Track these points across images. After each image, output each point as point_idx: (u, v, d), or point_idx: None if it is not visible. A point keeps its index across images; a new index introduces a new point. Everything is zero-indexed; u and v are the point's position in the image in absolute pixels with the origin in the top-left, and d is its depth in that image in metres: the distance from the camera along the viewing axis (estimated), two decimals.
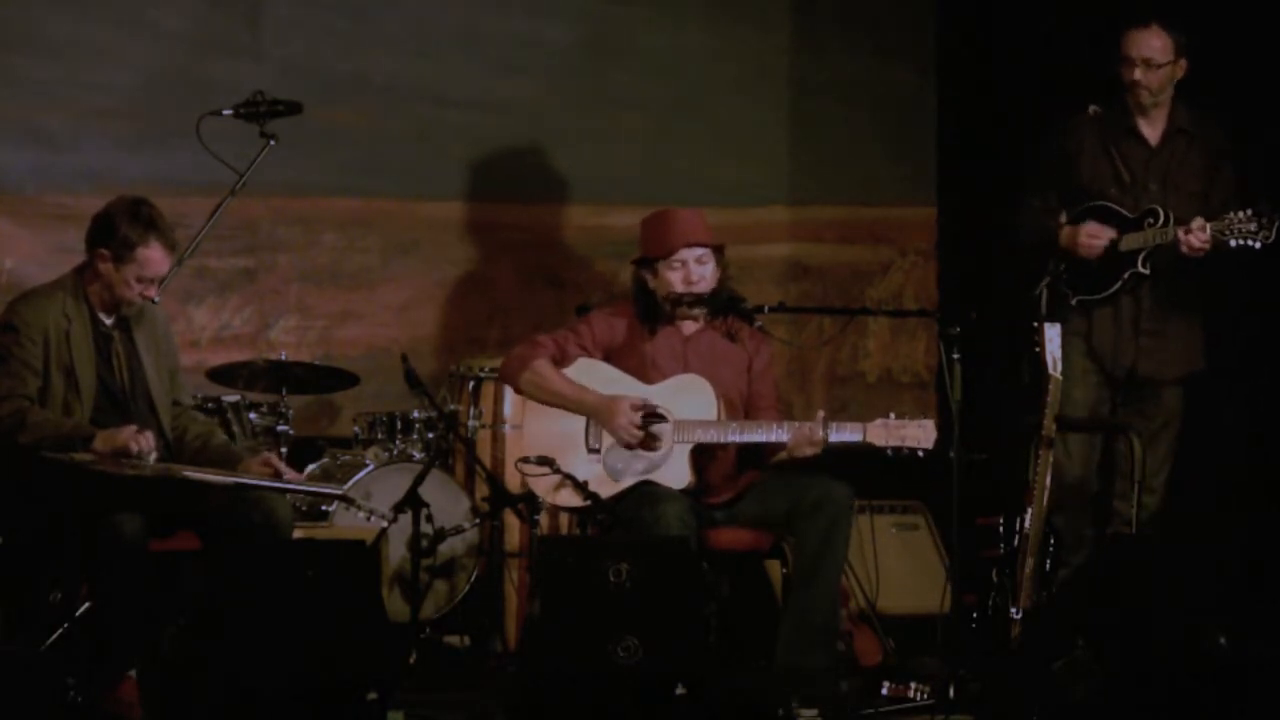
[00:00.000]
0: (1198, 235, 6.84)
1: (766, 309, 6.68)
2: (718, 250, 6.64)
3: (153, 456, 6.18)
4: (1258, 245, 6.80)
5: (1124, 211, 7.02)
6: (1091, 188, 7.09)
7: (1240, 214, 6.81)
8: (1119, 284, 7.03)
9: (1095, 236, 6.99)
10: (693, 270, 6.58)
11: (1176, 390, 7.14)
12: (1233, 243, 6.82)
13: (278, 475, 6.36)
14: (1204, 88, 7.12)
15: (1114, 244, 6.99)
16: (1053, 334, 6.77)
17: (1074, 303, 7.06)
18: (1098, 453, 7.16)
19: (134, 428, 6.19)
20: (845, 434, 6.37)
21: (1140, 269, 6.99)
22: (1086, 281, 7.05)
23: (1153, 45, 7.01)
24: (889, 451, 6.32)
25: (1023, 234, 7.19)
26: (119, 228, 6.29)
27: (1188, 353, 7.11)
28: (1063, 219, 7.13)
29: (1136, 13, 7.05)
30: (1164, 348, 7.08)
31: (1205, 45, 7.09)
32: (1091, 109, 7.19)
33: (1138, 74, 7.02)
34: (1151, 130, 7.12)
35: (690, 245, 6.58)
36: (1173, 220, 6.92)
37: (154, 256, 6.31)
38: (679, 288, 6.58)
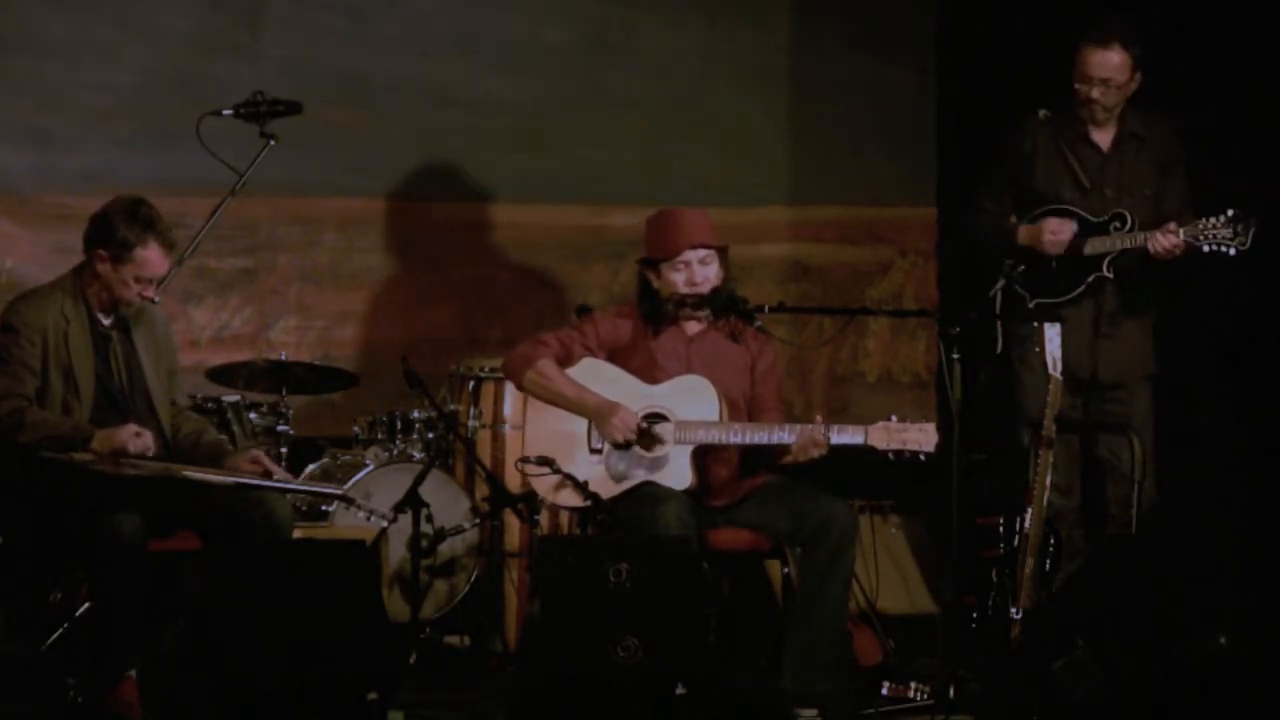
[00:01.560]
0: (1169, 238, 6.84)
1: (766, 309, 6.67)
2: (721, 251, 6.63)
3: (150, 454, 6.18)
4: (1232, 251, 6.80)
5: (1086, 215, 7.03)
6: (1047, 192, 7.10)
7: (1215, 219, 6.81)
8: (1082, 287, 7.03)
9: (1058, 232, 6.99)
10: (696, 272, 6.58)
11: (1143, 390, 7.14)
12: (1206, 248, 6.82)
13: (266, 473, 6.35)
14: (1162, 90, 7.13)
15: (1078, 247, 6.99)
16: (1052, 334, 6.76)
17: (1032, 305, 7.06)
18: (1079, 460, 7.16)
19: (132, 427, 6.19)
20: (846, 436, 6.36)
21: (1105, 273, 7.00)
22: (1046, 284, 7.05)
23: (1112, 64, 7.01)
24: (890, 455, 6.31)
25: (978, 235, 7.20)
26: (117, 228, 6.29)
27: (1141, 357, 7.13)
28: (1013, 220, 7.14)
29: (1096, 28, 7.03)
30: (1121, 351, 7.09)
31: (1166, 48, 7.11)
32: (1041, 113, 7.19)
33: (1095, 93, 7.03)
34: (1103, 135, 7.13)
35: (694, 247, 6.58)
36: (1138, 224, 6.94)
37: (152, 257, 6.31)
38: (682, 289, 6.57)
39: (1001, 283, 6.98)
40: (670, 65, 8.70)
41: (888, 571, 7.63)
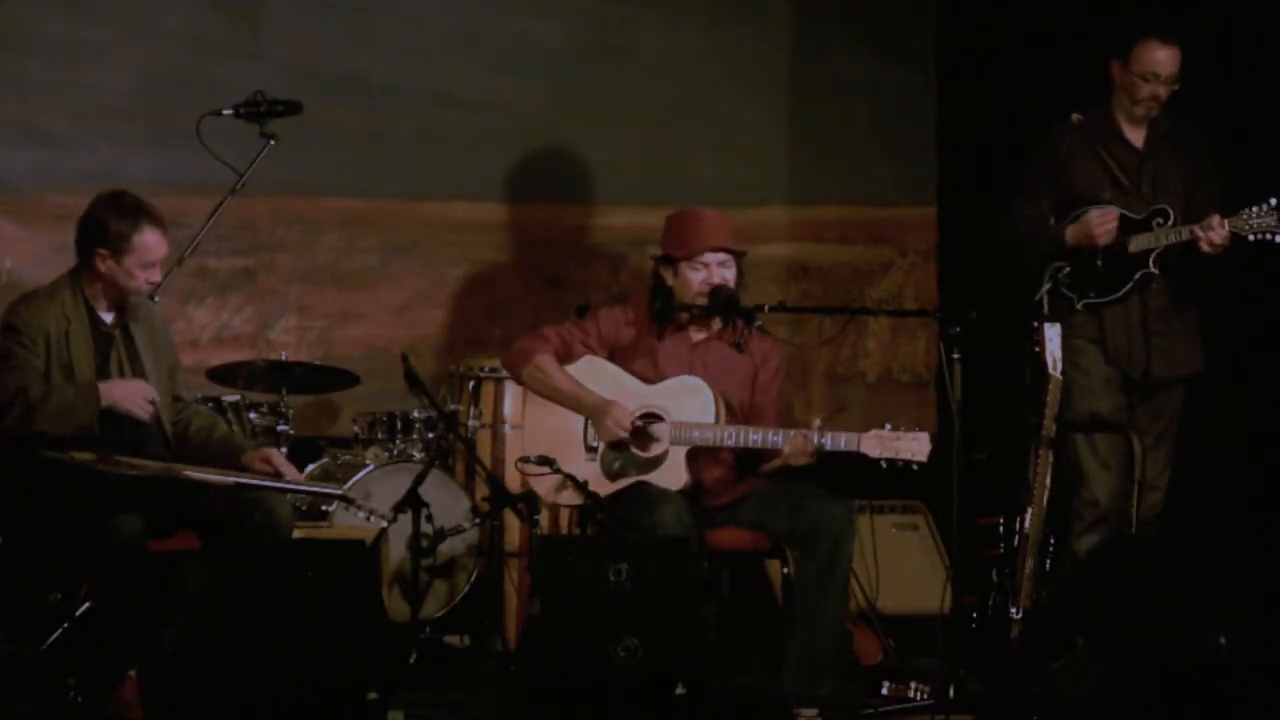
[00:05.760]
0: (1218, 231, 6.81)
1: (766, 309, 6.67)
2: (739, 256, 6.64)
3: (147, 417, 6.20)
4: (1279, 239, 6.78)
5: (1128, 213, 7.01)
6: (1086, 192, 7.08)
7: (1259, 208, 6.77)
8: (1130, 284, 7.01)
9: (1106, 221, 6.97)
10: (715, 273, 6.58)
11: (1179, 390, 7.14)
12: (1251, 238, 6.80)
13: (278, 473, 6.36)
14: (1192, 90, 7.13)
15: (1122, 245, 6.98)
16: (1052, 334, 6.76)
17: (1080, 306, 7.04)
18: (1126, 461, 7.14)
19: (144, 386, 6.23)
20: (840, 443, 6.35)
21: (1151, 269, 6.98)
22: (1093, 284, 7.04)
23: (1175, 64, 6.99)
24: (882, 463, 6.30)
25: (1021, 239, 7.15)
26: (109, 224, 6.30)
27: (1190, 353, 7.11)
28: (1053, 223, 7.12)
29: (1148, 23, 7.02)
30: (1171, 348, 7.07)
31: (1197, 49, 7.11)
32: (1074, 117, 7.16)
33: (1161, 90, 6.99)
34: (1136, 134, 7.12)
35: (715, 249, 6.58)
36: (1179, 219, 6.92)
37: (150, 240, 6.32)
38: (698, 288, 6.58)
39: (1048, 285, 6.97)
40: (670, 65, 8.70)
41: (888, 571, 7.62)
